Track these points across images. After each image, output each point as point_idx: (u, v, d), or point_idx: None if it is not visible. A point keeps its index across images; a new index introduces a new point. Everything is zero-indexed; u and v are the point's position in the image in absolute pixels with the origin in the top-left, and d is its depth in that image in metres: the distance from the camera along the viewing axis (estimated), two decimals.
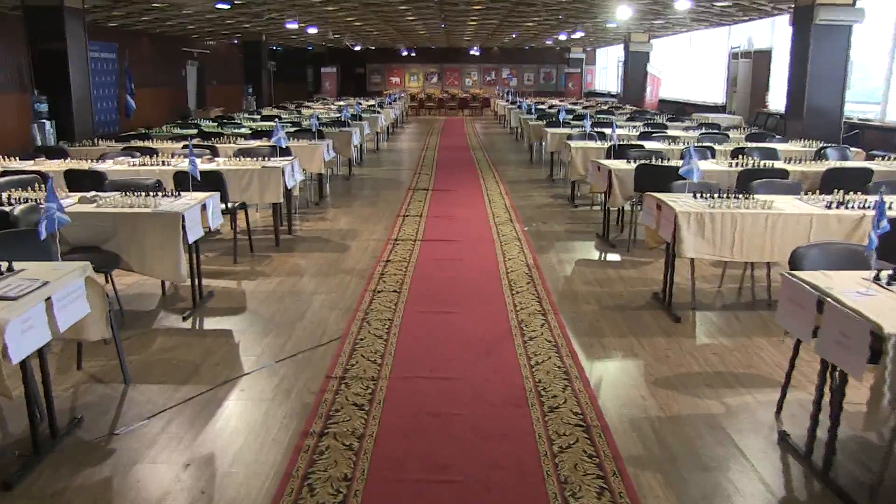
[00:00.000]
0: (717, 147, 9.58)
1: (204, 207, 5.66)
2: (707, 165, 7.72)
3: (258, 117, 16.73)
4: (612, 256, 7.36)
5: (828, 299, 3.19)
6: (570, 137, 10.88)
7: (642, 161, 7.64)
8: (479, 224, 8.78)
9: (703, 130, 12.42)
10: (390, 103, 23.48)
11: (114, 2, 15.41)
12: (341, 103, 23.28)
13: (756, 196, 5.62)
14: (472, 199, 10.49)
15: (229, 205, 7.12)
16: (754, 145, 9.79)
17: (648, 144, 9.83)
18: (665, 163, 7.71)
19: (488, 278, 6.46)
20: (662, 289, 5.80)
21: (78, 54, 12.81)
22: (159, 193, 5.84)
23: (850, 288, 3.32)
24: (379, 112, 18.44)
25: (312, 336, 5.10)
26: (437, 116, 32.18)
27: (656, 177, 7.18)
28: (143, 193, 5.79)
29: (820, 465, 3.31)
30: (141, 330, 5.24)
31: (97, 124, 19.32)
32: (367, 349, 4.81)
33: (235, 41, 28.88)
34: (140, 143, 9.93)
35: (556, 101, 25.41)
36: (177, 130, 12.78)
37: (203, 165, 7.64)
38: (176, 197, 5.75)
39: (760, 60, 19.09)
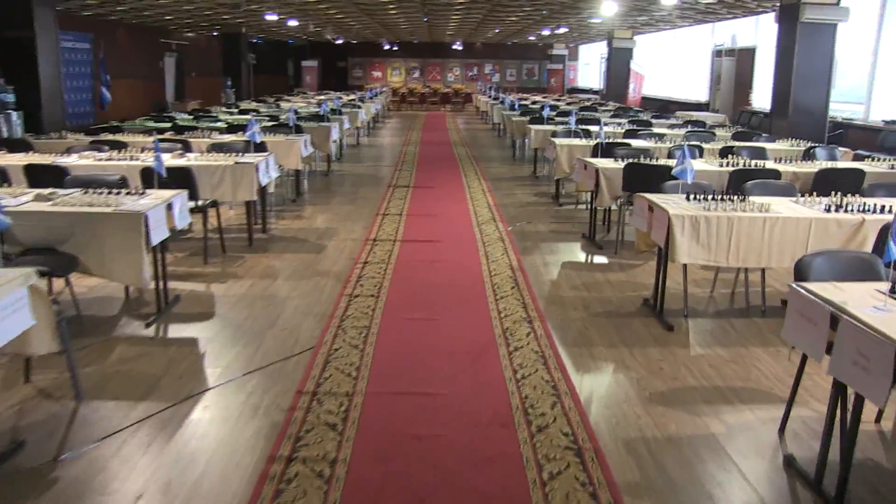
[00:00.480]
0: (704, 146, 9.36)
1: (170, 207, 5.31)
2: (697, 165, 7.48)
3: (236, 111, 16.32)
4: (600, 259, 7.09)
5: (843, 316, 2.92)
6: (554, 134, 10.62)
7: (631, 160, 7.38)
8: (461, 223, 8.49)
9: (690, 128, 12.21)
10: (371, 98, 23.10)
11: None
12: (321, 97, 22.89)
13: (752, 198, 5.37)
14: (455, 197, 10.19)
15: (200, 202, 6.77)
16: (742, 144, 9.58)
17: (635, 142, 9.58)
18: (653, 162, 7.46)
19: (471, 282, 6.17)
20: (653, 294, 5.54)
21: (47, 43, 12.36)
22: (123, 191, 5.48)
23: (865, 302, 3.06)
24: (359, 106, 18.07)
25: (284, 345, 4.78)
26: (418, 111, 31.83)
27: (645, 176, 6.93)
28: (105, 191, 5.43)
29: (832, 494, 3.05)
30: (100, 338, 4.89)
31: (71, 116, 18.85)
32: (342, 361, 4.50)
33: (215, 33, 28.37)
34: (110, 137, 9.54)
35: (539, 98, 25.16)
36: (150, 123, 12.35)
37: (173, 161, 7.29)
38: (140, 195, 5.40)
39: (744, 58, 18.96)
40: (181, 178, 6.48)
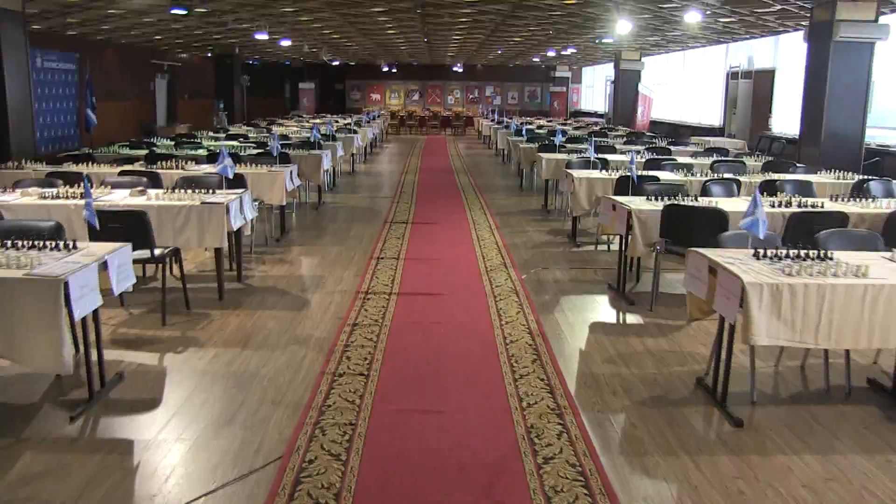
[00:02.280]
0: (741, 178, 8.31)
1: (106, 265, 4.22)
2: (739, 204, 6.40)
3: (223, 135, 15.29)
4: (633, 318, 5.97)
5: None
6: (569, 165, 9.56)
7: (668, 200, 6.30)
8: (467, 269, 7.40)
9: (715, 157, 11.14)
10: (368, 121, 22.10)
11: (64, 7, 13.93)
12: (316, 121, 21.89)
13: (839, 257, 4.27)
14: (458, 236, 9.11)
15: (157, 251, 5.67)
16: (786, 177, 8.51)
17: (662, 175, 8.51)
18: (694, 201, 6.35)
19: (482, 352, 5.06)
20: (713, 377, 4.42)
21: (16, 62, 11.31)
22: (50, 245, 4.39)
23: None
24: (355, 131, 17.05)
25: (243, 452, 3.66)
26: (418, 135, 30.87)
27: (687, 220, 5.86)
28: (27, 244, 4.35)
29: None
30: (7, 440, 3.76)
31: (54, 139, 17.84)
32: (318, 481, 3.38)
33: (209, 54, 27.48)
34: (72, 168, 8.47)
35: (544, 121, 24.19)
36: (126, 150, 11.30)
37: (130, 200, 6.21)
38: (69, 251, 4.31)
39: (762, 80, 17.96)
40: (132, 225, 5.40)
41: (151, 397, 4.34)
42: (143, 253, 5.53)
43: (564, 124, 23.04)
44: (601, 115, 31.59)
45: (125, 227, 5.37)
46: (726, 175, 8.75)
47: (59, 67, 18.43)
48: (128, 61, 22.50)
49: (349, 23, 17.22)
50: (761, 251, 4.25)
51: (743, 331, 3.84)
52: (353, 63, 36.87)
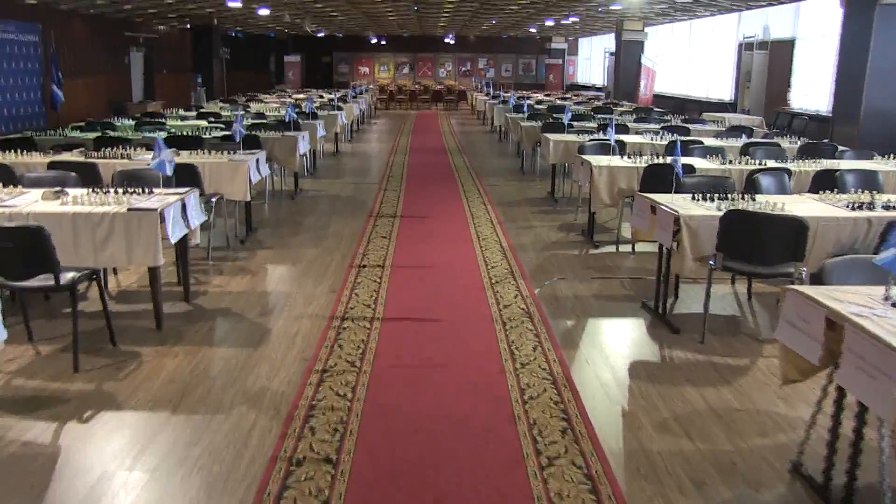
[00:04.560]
0: (779, 165, 7.06)
1: None
2: (815, 208, 5.12)
3: (194, 113, 13.85)
4: (681, 353, 4.69)
5: None
6: (582, 150, 8.23)
7: (723, 201, 5.00)
8: (466, 281, 6.10)
9: (744, 139, 9.84)
10: (354, 97, 20.62)
11: None
12: (299, 96, 20.42)
13: None
14: (455, 233, 7.80)
15: (70, 275, 4.36)
16: (841, 165, 7.22)
17: (698, 163, 7.21)
18: (766, 207, 5.00)
19: (492, 418, 3.77)
20: (803, 450, 3.16)
21: None
22: None
23: None
24: (340, 108, 15.62)
25: None
26: (408, 110, 29.37)
27: (755, 231, 4.56)
28: None
29: None
30: None
31: (17, 118, 16.36)
32: None
33: (189, 26, 25.87)
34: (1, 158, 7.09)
35: (542, 95, 22.77)
36: (76, 134, 9.88)
37: (39, 206, 4.86)
38: None
39: (780, 52, 16.58)
40: (27, 243, 4.08)
41: (29, 499, 3.05)
42: (46, 279, 4.22)
43: (564, 98, 21.64)
44: (599, 89, 30.17)
45: (16, 246, 4.05)
46: (768, 162, 7.46)
47: (20, 40, 16.90)
48: (99, 34, 20.94)
49: None
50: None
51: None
52: (340, 35, 35.24)
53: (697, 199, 5.14)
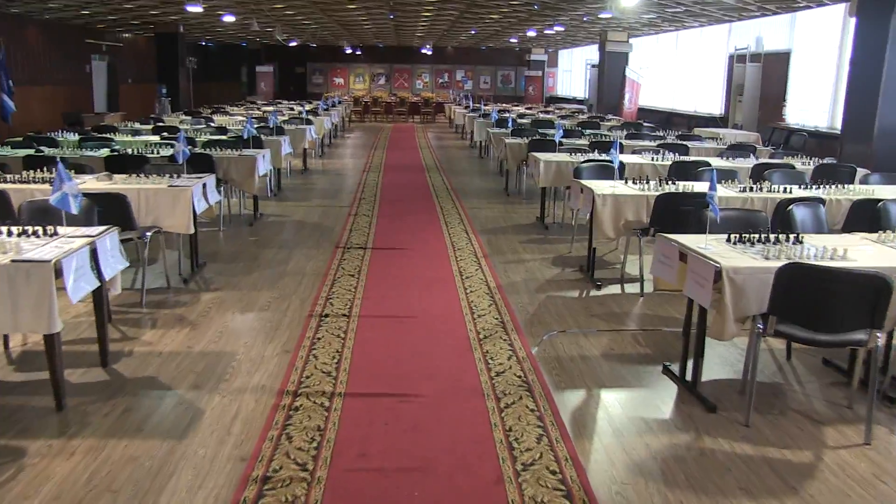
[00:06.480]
0: (810, 193, 6.15)
1: None
2: (884, 256, 4.17)
3: (150, 127, 12.70)
4: (726, 444, 3.67)
5: None
6: (578, 173, 7.27)
7: (780, 253, 4.01)
8: (450, 338, 5.07)
9: (753, 158, 8.94)
10: (326, 109, 19.55)
11: None
12: (269, 108, 19.30)
13: None
14: (434, 271, 6.77)
15: None
16: (878, 193, 6.31)
17: (723, 193, 6.24)
18: (831, 261, 4.02)
19: None
20: None
21: None
22: None
23: None
24: (310, 121, 14.55)
25: None
26: (384, 123, 28.34)
27: (821, 289, 3.58)
28: None
29: None
30: None
31: None
32: None
33: (153, 34, 24.69)
34: None
35: (523, 108, 21.89)
36: (5, 151, 8.72)
37: None
38: None
39: (774, 64, 15.84)
40: None
41: None
42: None
43: (546, 112, 20.77)
44: (581, 102, 29.38)
45: None
46: (793, 189, 6.53)
47: None
48: (57, 40, 19.79)
49: None
50: None
51: None
52: (314, 45, 34.20)
53: (735, 243, 4.17)
